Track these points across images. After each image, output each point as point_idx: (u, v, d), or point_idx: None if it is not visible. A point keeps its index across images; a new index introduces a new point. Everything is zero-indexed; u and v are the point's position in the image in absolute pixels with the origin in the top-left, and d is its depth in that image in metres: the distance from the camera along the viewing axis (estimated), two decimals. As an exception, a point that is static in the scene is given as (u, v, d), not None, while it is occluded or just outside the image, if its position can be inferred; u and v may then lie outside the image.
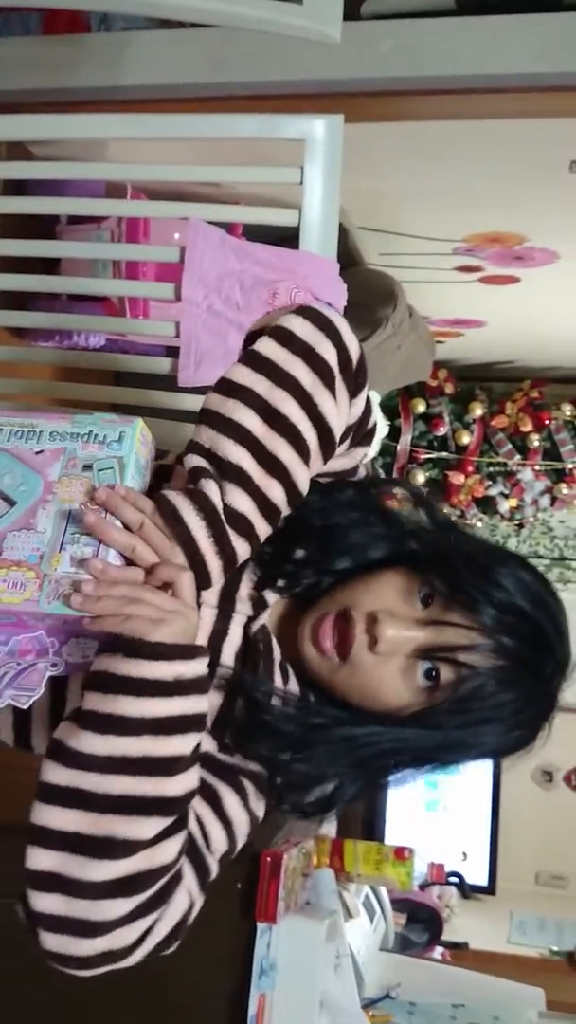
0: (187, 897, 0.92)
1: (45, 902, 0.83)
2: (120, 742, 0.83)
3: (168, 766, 0.84)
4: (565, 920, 3.85)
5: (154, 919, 0.87)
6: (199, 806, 0.95)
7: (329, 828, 1.98)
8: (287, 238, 1.56)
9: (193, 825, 0.94)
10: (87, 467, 0.95)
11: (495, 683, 0.91)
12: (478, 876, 3.98)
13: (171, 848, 0.87)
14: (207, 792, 0.96)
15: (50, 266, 2.30)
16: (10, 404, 1.66)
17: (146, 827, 0.83)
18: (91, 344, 2.58)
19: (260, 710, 0.96)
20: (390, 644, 0.92)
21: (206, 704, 0.88)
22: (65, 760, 0.84)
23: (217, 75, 2.08)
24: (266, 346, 0.95)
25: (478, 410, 3.83)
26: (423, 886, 3.36)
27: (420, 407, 3.84)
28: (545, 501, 3.99)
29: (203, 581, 0.91)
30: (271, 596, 1.01)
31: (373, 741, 0.95)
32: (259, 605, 1.00)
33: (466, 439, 3.83)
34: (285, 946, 1.42)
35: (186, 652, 0.86)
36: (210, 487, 0.92)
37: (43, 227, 2.35)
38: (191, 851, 0.94)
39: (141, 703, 0.83)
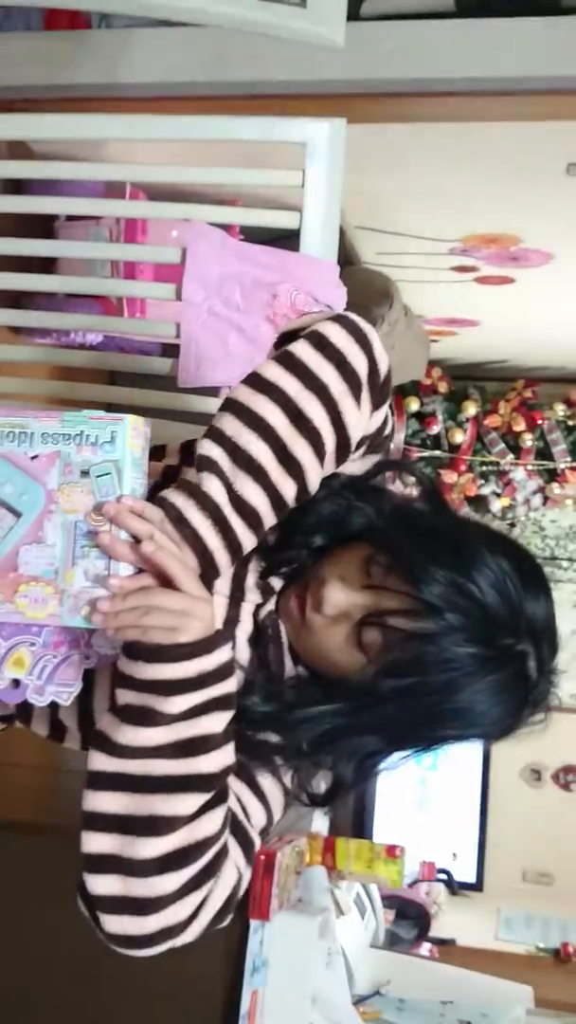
0: (235, 871, 0.96)
1: (102, 885, 0.89)
2: (154, 732, 0.88)
3: (200, 746, 0.89)
4: (552, 917, 3.88)
5: (206, 892, 0.92)
6: (236, 784, 1.00)
7: (321, 826, 1.99)
8: (284, 238, 1.56)
9: (233, 802, 0.99)
10: (84, 473, 0.96)
11: (435, 651, 0.91)
12: (466, 873, 4.00)
13: (212, 822, 0.92)
14: (242, 770, 1.00)
15: (47, 263, 2.30)
16: (7, 403, 1.67)
17: (186, 803, 0.89)
18: (88, 341, 2.58)
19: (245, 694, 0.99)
20: (332, 605, 0.97)
21: (233, 684, 0.92)
22: (109, 750, 0.90)
23: (218, 74, 2.09)
24: (301, 348, 0.97)
25: (471, 409, 3.84)
26: (412, 883, 3.38)
27: (414, 405, 3.85)
28: (537, 500, 4.00)
29: (212, 574, 0.94)
30: (276, 582, 1.05)
31: (338, 720, 0.97)
32: (266, 592, 1.05)
33: (459, 438, 3.84)
34: (277, 943, 1.43)
35: (206, 646, 0.89)
36: (212, 484, 0.93)
37: (41, 224, 2.35)
38: (234, 826, 0.98)
39: (170, 701, 0.88)
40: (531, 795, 4.38)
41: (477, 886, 4.03)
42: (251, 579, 1.04)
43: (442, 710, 0.93)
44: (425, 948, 3.13)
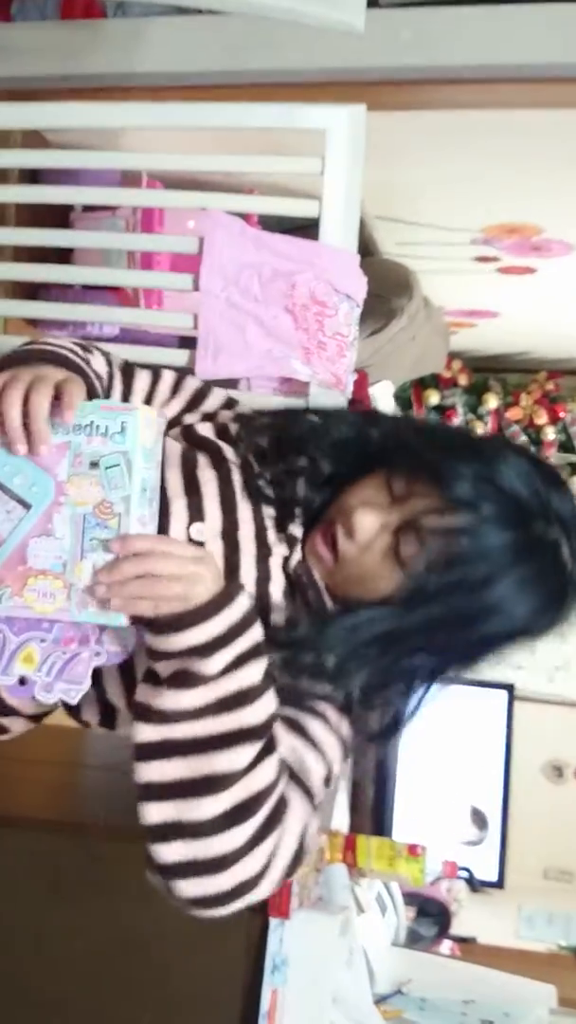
0: (299, 821, 0.97)
1: (169, 852, 0.90)
2: (195, 693, 0.90)
3: (243, 699, 0.91)
4: (573, 915, 3.85)
5: (274, 843, 0.93)
6: (289, 737, 1.01)
7: (341, 822, 1.97)
8: (300, 229, 1.54)
9: (289, 755, 0.99)
10: (94, 464, 0.94)
11: (473, 543, 0.93)
12: (487, 870, 3.98)
13: (266, 772, 0.93)
14: (292, 724, 1.01)
15: (63, 254, 2.29)
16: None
17: (239, 757, 0.90)
18: (104, 335, 2.56)
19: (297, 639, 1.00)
20: (365, 529, 0.99)
21: (260, 631, 0.94)
22: (151, 719, 0.91)
23: (234, 63, 2.06)
24: None
25: (492, 402, 3.81)
26: (433, 881, 3.36)
27: (433, 398, 3.82)
28: (559, 494, 3.96)
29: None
30: (297, 530, 1.07)
31: (386, 626, 0.98)
32: (291, 542, 1.06)
33: (480, 431, 3.81)
34: (298, 941, 1.42)
35: (225, 600, 0.91)
36: None
37: (57, 215, 2.34)
38: (293, 778, 0.99)
39: (206, 662, 0.90)
40: (553, 792, 4.35)
41: (498, 883, 4.01)
42: (272, 534, 1.06)
43: (485, 606, 0.95)
44: (446, 946, 3.11)
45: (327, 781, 1.05)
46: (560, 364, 4.26)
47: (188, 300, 1.56)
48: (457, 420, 3.81)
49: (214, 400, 1.23)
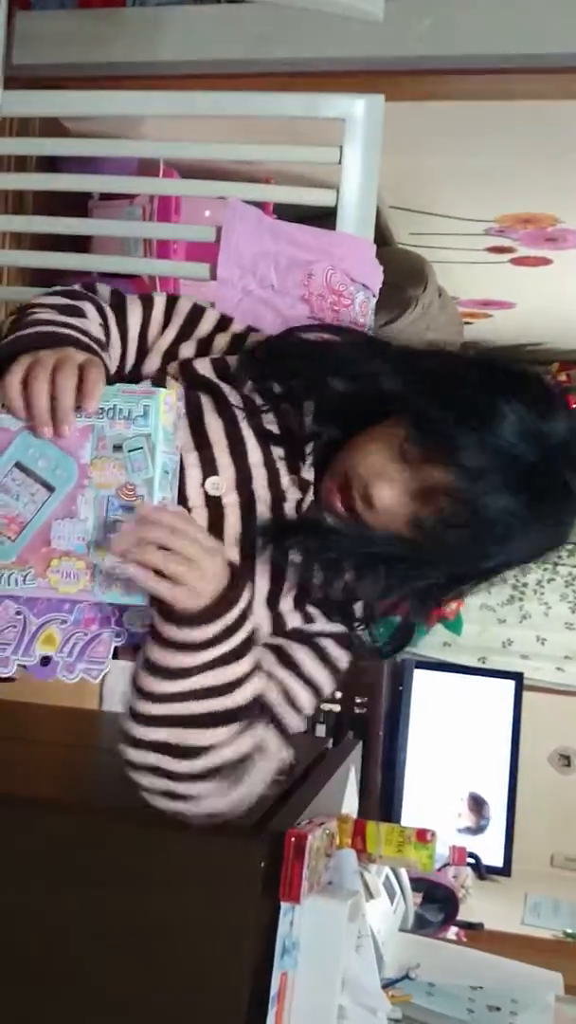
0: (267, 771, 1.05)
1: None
2: (186, 683, 0.95)
3: (228, 688, 0.96)
4: (580, 903, 3.87)
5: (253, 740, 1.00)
6: (283, 672, 1.07)
7: (351, 807, 1.99)
8: (316, 217, 1.55)
9: (276, 691, 1.05)
10: (117, 447, 0.95)
11: (486, 509, 0.97)
12: (494, 857, 3.99)
13: (242, 744, 0.99)
14: (288, 660, 1.08)
15: (80, 244, 2.30)
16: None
17: (215, 733, 0.97)
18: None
19: (326, 544, 1.04)
20: (384, 500, 1.01)
21: (251, 628, 0.98)
22: (147, 699, 0.96)
23: (253, 52, 2.07)
24: None
25: (505, 392, 3.80)
26: (440, 867, 3.37)
27: (447, 388, 3.81)
28: (571, 486, 3.96)
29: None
30: (309, 473, 1.09)
31: (401, 552, 1.02)
32: (303, 486, 1.08)
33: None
34: (308, 925, 1.43)
35: (226, 602, 0.94)
36: None
37: (74, 203, 2.35)
38: (274, 720, 1.05)
39: (197, 655, 0.93)
40: (560, 780, 4.36)
41: (505, 871, 4.02)
42: (285, 478, 1.08)
43: (496, 550, 1.00)
44: (452, 932, 3.13)
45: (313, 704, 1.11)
46: (574, 355, 4.25)
47: (203, 289, 1.56)
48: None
49: (207, 323, 1.22)
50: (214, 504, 1.06)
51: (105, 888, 1.36)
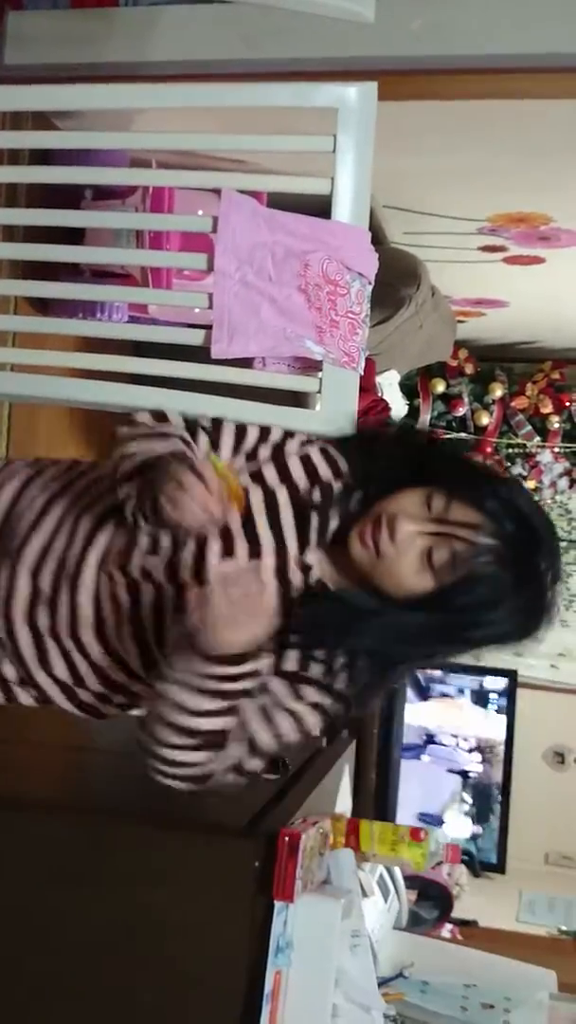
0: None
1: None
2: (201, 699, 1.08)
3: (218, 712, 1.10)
4: (574, 900, 3.87)
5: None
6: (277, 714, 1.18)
7: (344, 806, 1.99)
8: (310, 209, 1.55)
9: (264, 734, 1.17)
10: None
11: (494, 562, 1.11)
12: (488, 855, 4.00)
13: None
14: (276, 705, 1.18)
15: (73, 242, 2.29)
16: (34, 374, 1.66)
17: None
18: (114, 320, 2.57)
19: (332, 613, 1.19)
20: (405, 535, 1.13)
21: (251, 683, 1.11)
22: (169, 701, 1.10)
23: (245, 52, 2.06)
24: None
25: (498, 391, 3.81)
26: (435, 865, 3.37)
27: (440, 387, 3.82)
28: (564, 483, 3.97)
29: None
30: (311, 557, 1.21)
31: (404, 624, 1.16)
32: (305, 570, 1.21)
33: (485, 420, 3.81)
34: (301, 924, 1.43)
35: (247, 657, 1.07)
36: None
37: (67, 203, 2.34)
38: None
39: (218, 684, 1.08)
40: (554, 778, 4.37)
41: (499, 868, 4.03)
42: (292, 564, 1.20)
43: (484, 619, 1.14)
44: (447, 929, 3.13)
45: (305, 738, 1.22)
46: (566, 353, 4.26)
47: (196, 285, 1.57)
48: (463, 409, 3.81)
49: (251, 437, 1.31)
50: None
51: (100, 887, 1.36)
